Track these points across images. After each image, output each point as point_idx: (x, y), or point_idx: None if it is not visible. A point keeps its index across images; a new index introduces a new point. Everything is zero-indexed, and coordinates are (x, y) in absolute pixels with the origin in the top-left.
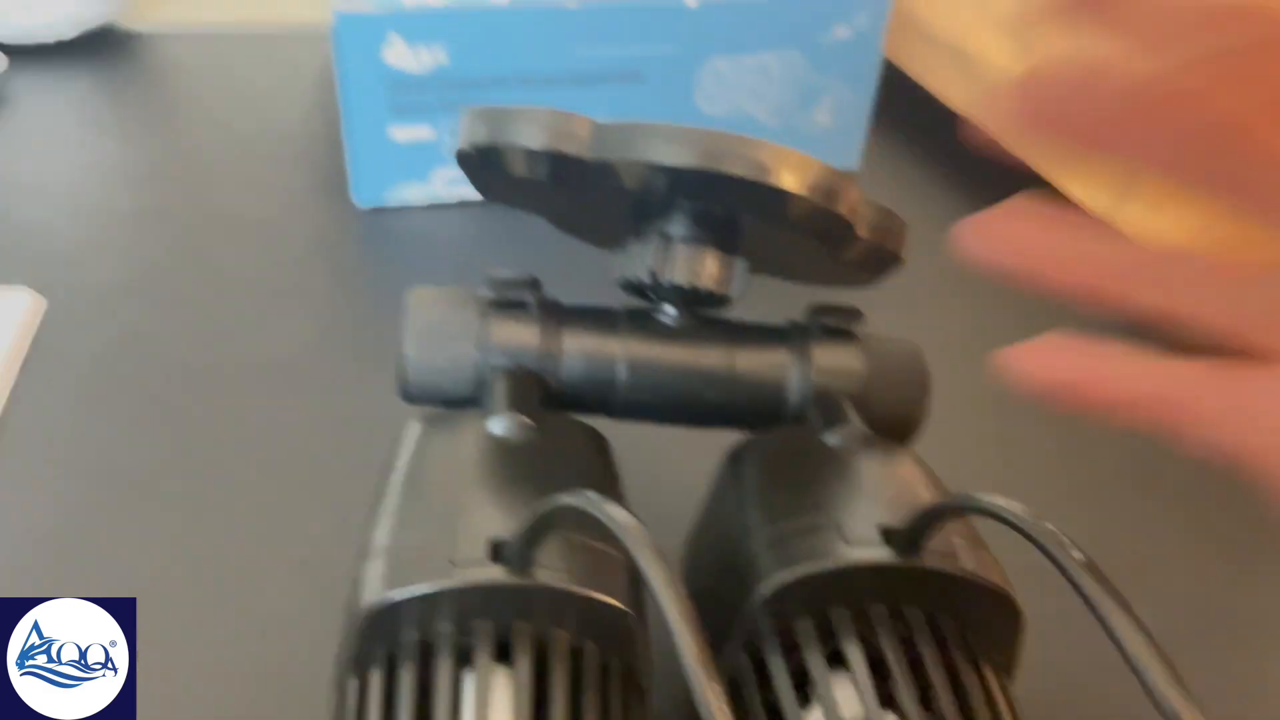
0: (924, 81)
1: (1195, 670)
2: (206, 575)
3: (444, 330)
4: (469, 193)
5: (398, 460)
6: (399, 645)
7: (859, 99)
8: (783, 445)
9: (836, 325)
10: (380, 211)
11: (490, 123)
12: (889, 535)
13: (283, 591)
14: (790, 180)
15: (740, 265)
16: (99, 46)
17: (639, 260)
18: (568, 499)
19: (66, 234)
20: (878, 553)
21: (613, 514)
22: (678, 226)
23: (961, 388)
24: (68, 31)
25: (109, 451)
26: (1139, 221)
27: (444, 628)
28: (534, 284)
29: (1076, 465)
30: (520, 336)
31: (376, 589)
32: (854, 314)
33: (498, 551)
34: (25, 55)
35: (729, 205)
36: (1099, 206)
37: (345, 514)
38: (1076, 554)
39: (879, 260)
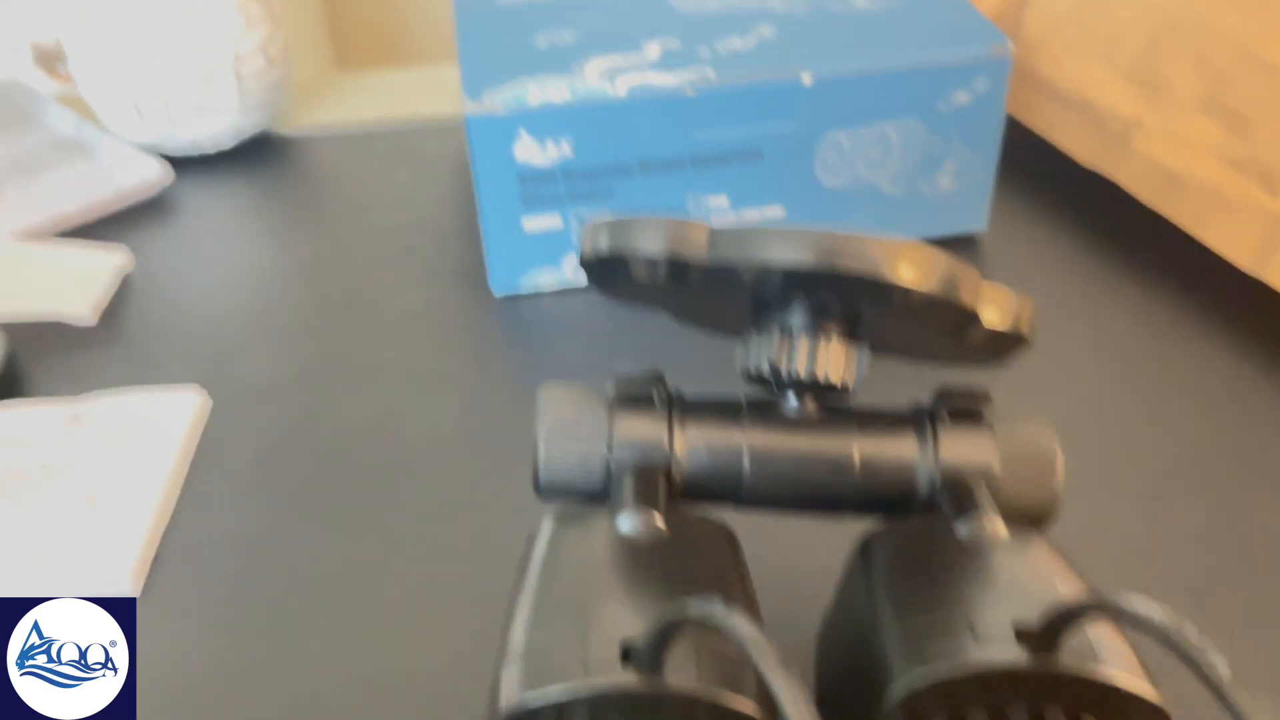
0: (1050, 137)
1: None
2: (365, 660)
3: (573, 428)
4: None
5: (532, 560)
6: None
7: (983, 162)
8: (913, 536)
9: (964, 408)
10: (516, 298)
11: (612, 234)
12: (1023, 634)
13: (439, 684)
14: (907, 275)
15: (861, 354)
16: (256, 153)
17: (759, 353)
18: (694, 608)
19: (229, 333)
20: (1012, 653)
21: (739, 626)
22: (797, 319)
23: (1102, 460)
24: (228, 141)
25: (268, 542)
26: None
27: None
28: (659, 379)
29: (1230, 544)
30: (645, 433)
31: (513, 692)
32: (982, 397)
33: (629, 654)
34: (189, 165)
35: (847, 301)
36: (1243, 259)
37: (492, 605)
38: (1224, 670)
39: (1006, 343)
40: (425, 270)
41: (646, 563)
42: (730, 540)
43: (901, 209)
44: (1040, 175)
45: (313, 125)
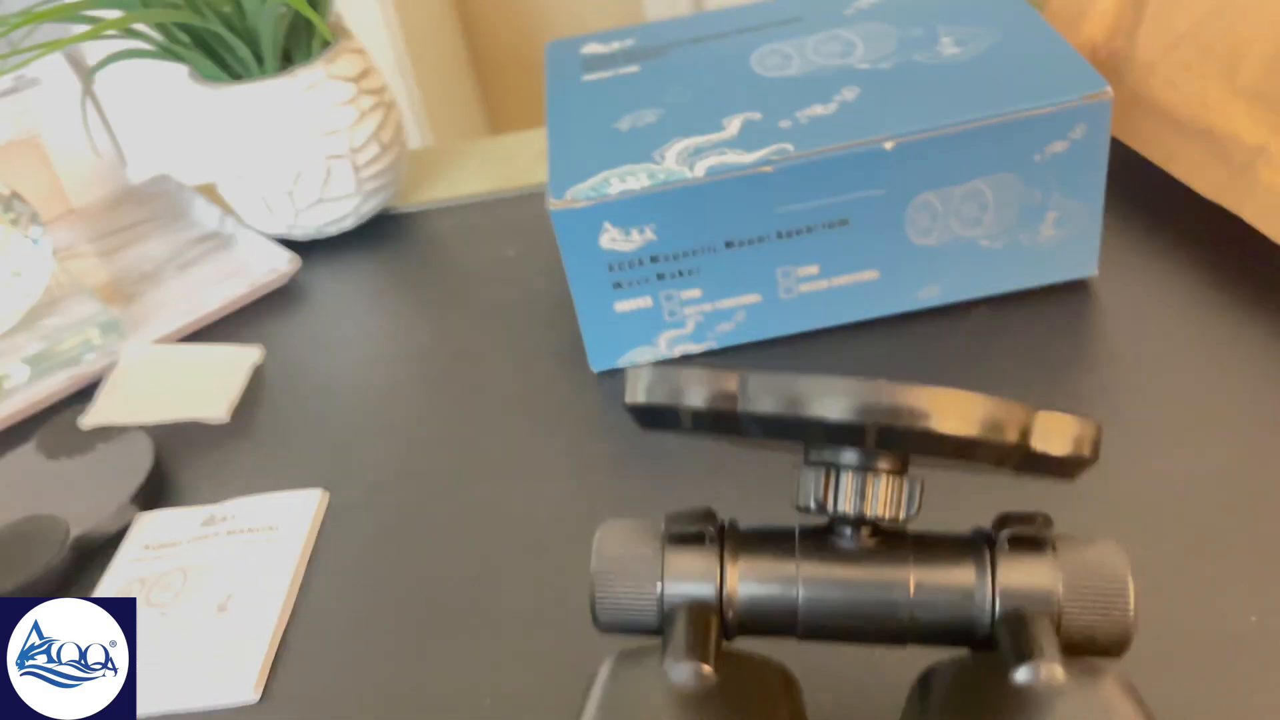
0: (1168, 168)
1: None
2: None
3: (627, 566)
4: (692, 348)
5: (588, 706)
6: None
7: (1088, 208)
8: (968, 680)
9: (1025, 534)
10: (614, 373)
11: (649, 388)
12: None
13: None
14: (948, 424)
15: (913, 487)
16: (375, 231)
17: (808, 490)
18: None
19: (349, 422)
20: None
21: None
22: (845, 456)
23: (1220, 521)
24: (350, 224)
25: (377, 643)
26: None
27: None
28: (710, 516)
29: None
30: (697, 569)
31: None
32: (1044, 521)
33: None
34: (314, 248)
35: (889, 446)
36: None
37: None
38: None
39: (1068, 465)
40: (530, 348)
41: (698, 711)
42: (786, 681)
43: (1002, 261)
44: (1158, 208)
45: (430, 199)
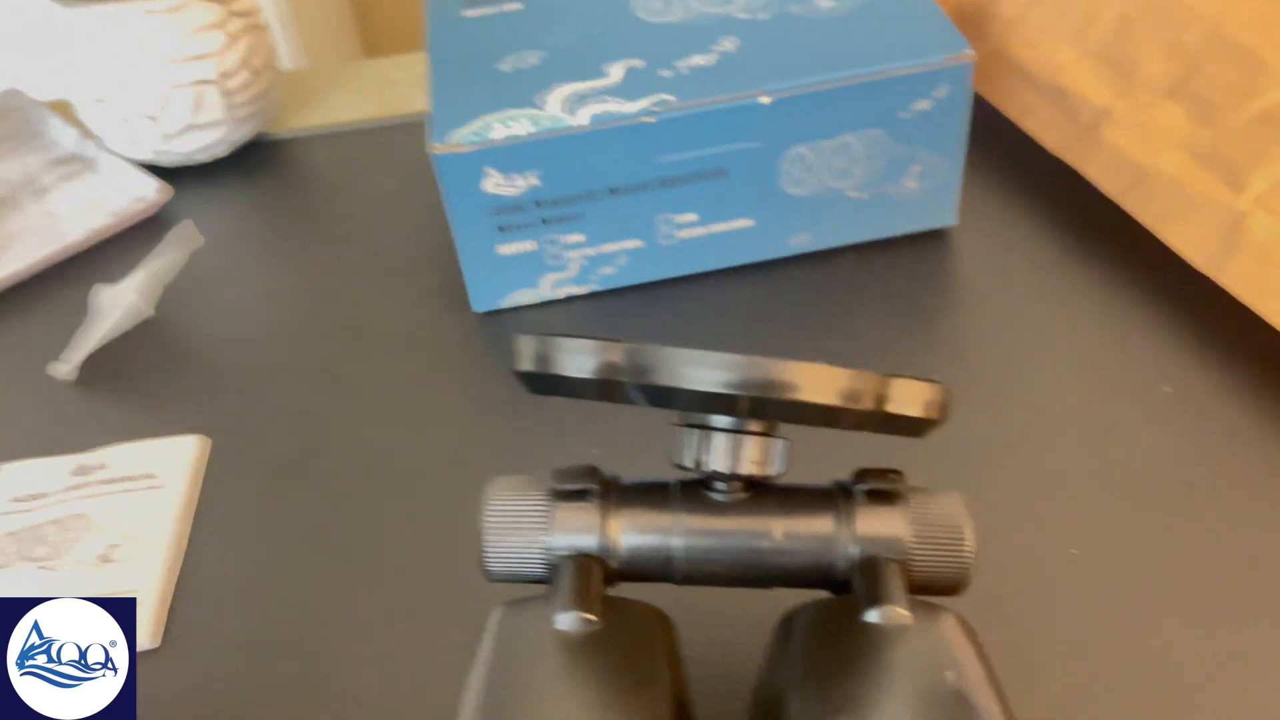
0: (1022, 123)
1: None
2: (375, 699)
3: (515, 520)
4: (574, 290)
5: (479, 655)
6: None
7: (948, 162)
8: (825, 620)
9: (880, 488)
10: (498, 314)
11: (537, 357)
12: None
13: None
14: (813, 395)
15: (782, 446)
16: (249, 159)
17: (684, 449)
18: None
19: (222, 364)
20: None
21: None
22: (718, 420)
23: (1055, 464)
24: (222, 151)
25: (274, 586)
26: (1244, 277)
27: None
28: (594, 472)
29: (1183, 555)
30: (582, 523)
31: None
32: (895, 475)
33: None
34: (184, 176)
35: (759, 414)
36: (1201, 259)
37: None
38: None
39: (920, 424)
40: (411, 288)
41: (584, 656)
42: (664, 623)
43: (869, 210)
44: (1013, 163)
45: (307, 126)
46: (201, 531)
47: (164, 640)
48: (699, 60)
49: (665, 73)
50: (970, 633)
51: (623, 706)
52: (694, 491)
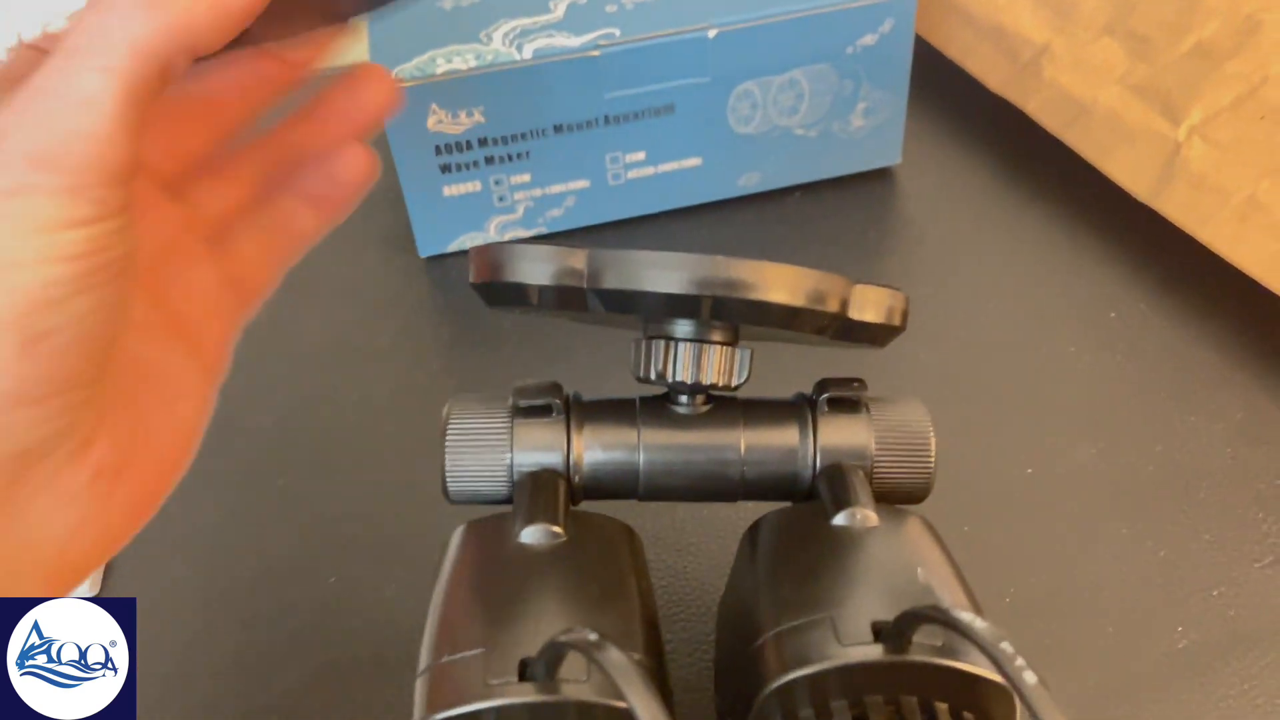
0: (963, 64)
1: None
2: (318, 649)
3: (477, 438)
4: (521, 233)
5: (442, 572)
6: None
7: (893, 98)
8: (793, 526)
9: (842, 396)
10: (443, 259)
11: (493, 265)
12: (880, 631)
13: (389, 671)
14: (777, 294)
15: (744, 355)
16: None
17: (648, 361)
18: (568, 637)
19: None
20: (868, 651)
21: (609, 657)
22: (680, 328)
23: (999, 391)
24: None
25: (218, 534)
26: (1182, 205)
27: None
28: (556, 389)
29: (1120, 477)
30: (545, 439)
31: (421, 711)
32: (858, 384)
33: (526, 669)
34: None
35: (725, 314)
36: (1140, 189)
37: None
38: (1032, 680)
39: (881, 332)
40: (354, 233)
41: (549, 568)
42: (630, 537)
43: (816, 149)
44: (955, 102)
45: None
46: None
47: (102, 589)
48: None
49: (610, 7)
50: (935, 533)
51: (591, 619)
52: (657, 405)
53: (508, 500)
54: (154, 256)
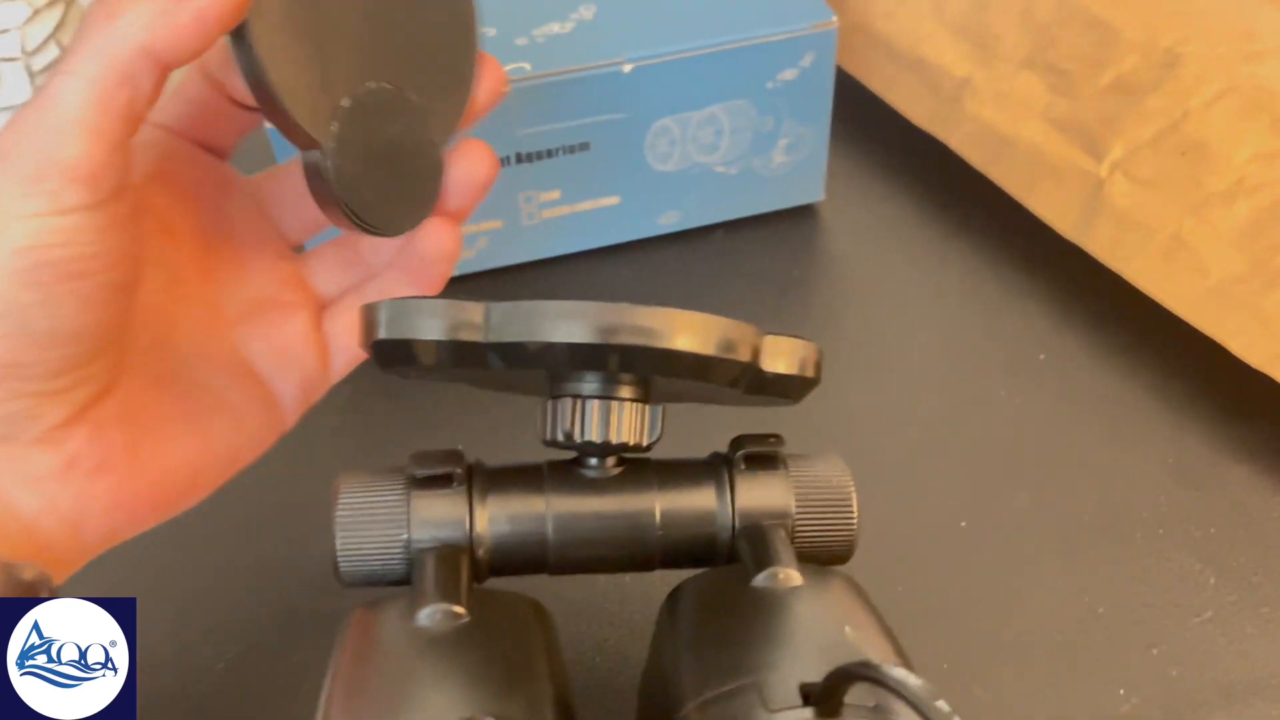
0: (887, 97)
1: None
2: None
3: (371, 514)
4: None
5: (333, 661)
6: None
7: (815, 134)
8: (713, 590)
9: (759, 452)
10: None
11: (388, 321)
12: (809, 695)
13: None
14: (684, 343)
15: (655, 412)
16: None
17: (555, 422)
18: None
19: None
20: (797, 716)
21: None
22: (587, 385)
23: (927, 437)
24: None
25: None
26: (1107, 242)
27: None
28: (456, 456)
29: (1051, 524)
30: (445, 512)
31: None
32: (775, 439)
33: None
34: None
35: (633, 367)
36: (1065, 226)
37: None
38: None
39: (795, 385)
40: None
41: (450, 652)
42: (539, 614)
43: (738, 186)
44: (879, 136)
45: None
46: None
47: None
48: (556, 28)
49: (520, 40)
50: (861, 591)
51: (497, 706)
52: (565, 470)
53: (406, 580)
54: (249, 303)
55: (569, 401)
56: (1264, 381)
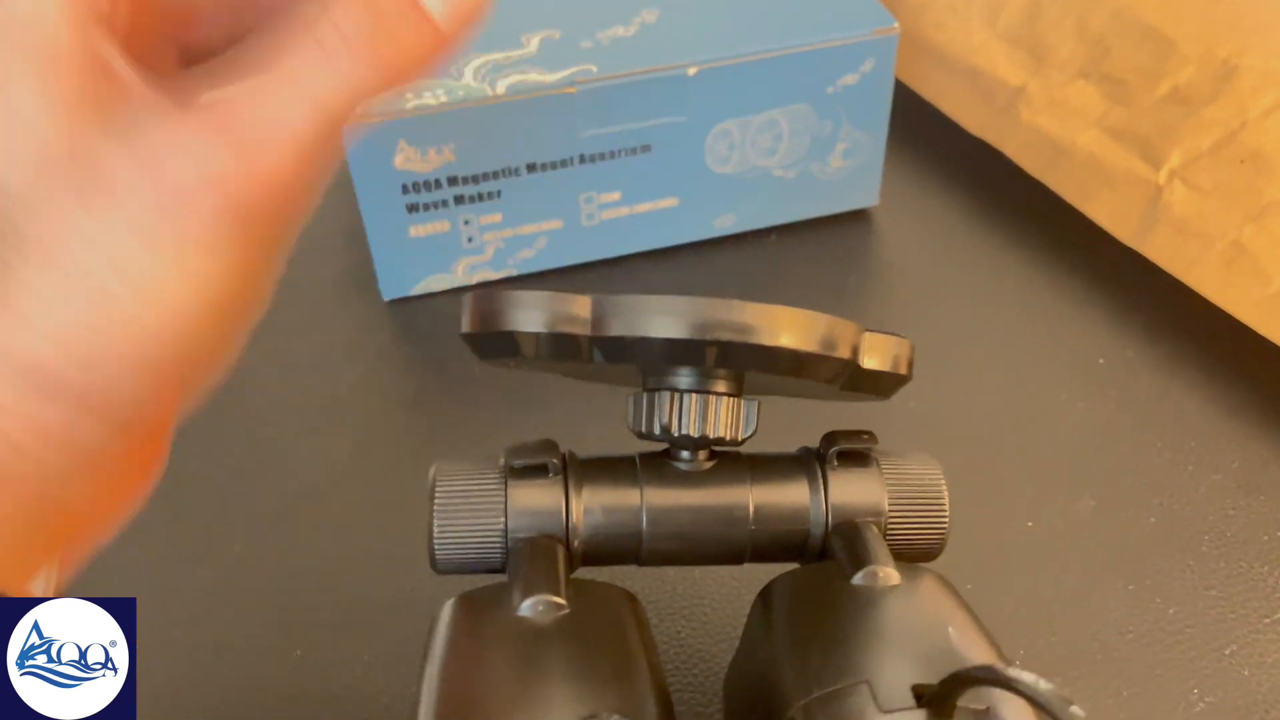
0: (940, 105)
1: None
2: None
3: (467, 504)
4: (490, 275)
5: (433, 649)
6: None
7: (873, 139)
8: (810, 587)
9: (852, 449)
10: (407, 301)
11: (490, 314)
12: (921, 695)
13: None
14: (787, 340)
15: (750, 407)
16: None
17: (651, 415)
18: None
19: None
20: (912, 717)
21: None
22: (684, 379)
23: (987, 444)
24: None
25: (159, 609)
26: (1166, 249)
27: None
28: (553, 447)
29: (1114, 530)
30: (542, 502)
31: None
32: (867, 436)
33: None
34: None
35: (732, 362)
36: (1124, 233)
37: (407, 672)
38: None
39: (888, 382)
40: (313, 274)
41: (554, 643)
42: (634, 606)
43: (794, 190)
44: (933, 144)
45: None
46: None
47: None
48: (620, 31)
49: (585, 43)
50: (954, 591)
51: (601, 696)
52: (658, 462)
53: (499, 569)
54: None
55: (666, 394)
56: None
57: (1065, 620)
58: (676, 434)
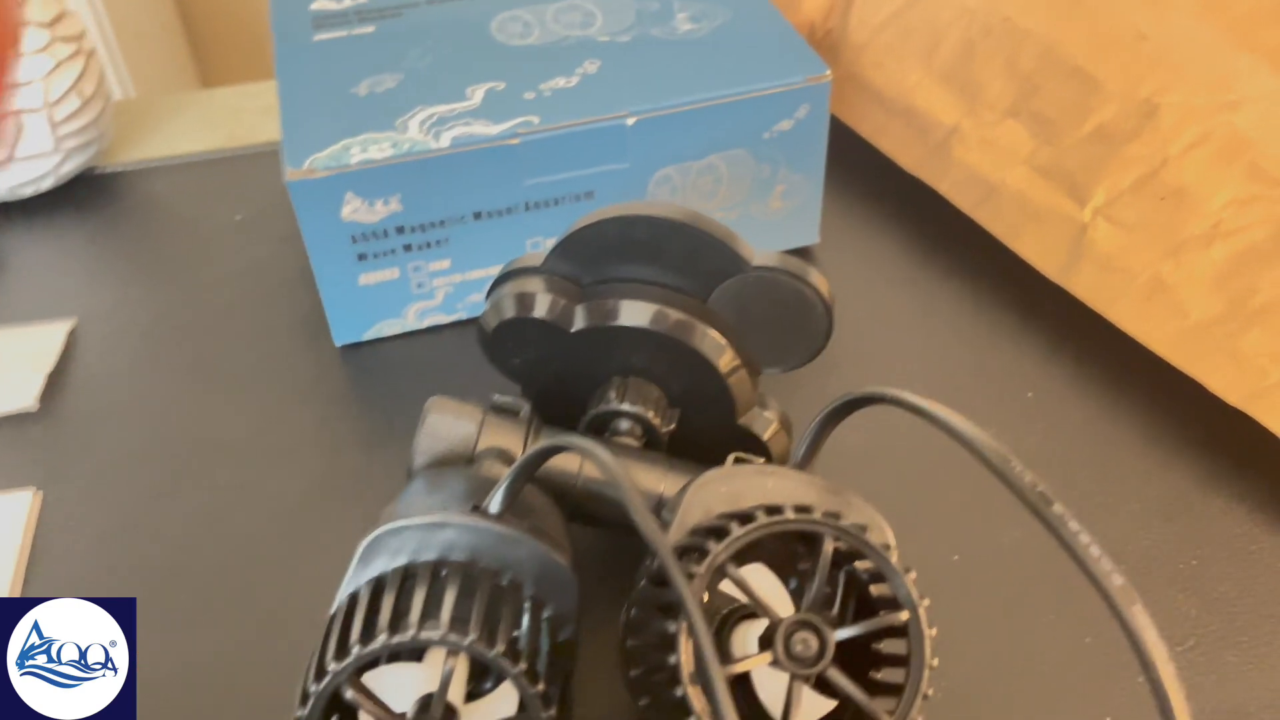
0: (878, 143)
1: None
2: None
3: (447, 431)
4: (441, 319)
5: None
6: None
7: (810, 181)
8: None
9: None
10: (359, 346)
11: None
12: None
13: None
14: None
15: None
16: (79, 192)
17: (606, 397)
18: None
19: (60, 408)
20: None
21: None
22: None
23: (922, 477)
24: (48, 184)
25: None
26: (1091, 285)
27: None
28: (529, 404)
29: (1046, 560)
30: (508, 431)
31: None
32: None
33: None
34: (8, 211)
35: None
36: (1051, 269)
37: None
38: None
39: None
40: (265, 321)
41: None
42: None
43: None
44: (872, 181)
45: (145, 158)
46: (34, 592)
47: None
48: (561, 82)
49: (528, 94)
50: None
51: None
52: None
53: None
54: None
55: (616, 380)
56: (1241, 418)
57: (986, 651)
58: (621, 407)
